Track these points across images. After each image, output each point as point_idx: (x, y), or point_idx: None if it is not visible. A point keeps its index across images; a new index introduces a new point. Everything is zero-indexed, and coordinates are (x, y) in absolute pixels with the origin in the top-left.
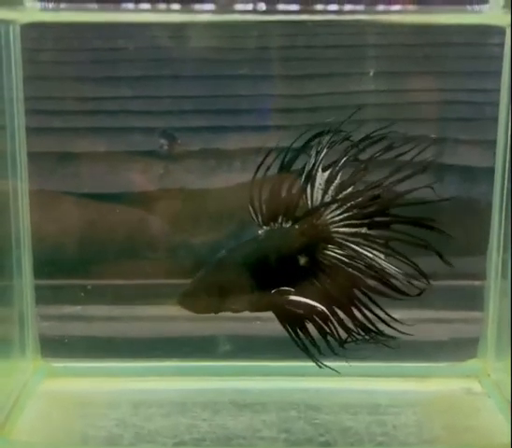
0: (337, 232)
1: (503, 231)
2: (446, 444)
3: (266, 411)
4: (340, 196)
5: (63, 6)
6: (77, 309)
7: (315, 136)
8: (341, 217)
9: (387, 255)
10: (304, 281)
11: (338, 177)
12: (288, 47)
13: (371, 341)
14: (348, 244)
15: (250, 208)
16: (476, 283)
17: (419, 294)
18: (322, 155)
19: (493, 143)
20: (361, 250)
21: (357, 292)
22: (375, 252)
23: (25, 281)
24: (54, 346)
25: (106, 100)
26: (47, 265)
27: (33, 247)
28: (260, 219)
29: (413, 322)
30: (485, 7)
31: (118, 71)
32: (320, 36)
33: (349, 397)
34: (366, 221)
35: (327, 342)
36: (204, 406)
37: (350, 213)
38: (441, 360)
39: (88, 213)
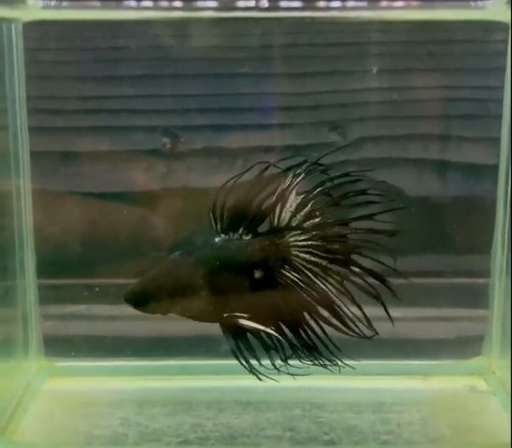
0: (297, 257)
1: (507, 229)
2: (451, 443)
3: (271, 409)
4: (307, 224)
5: (65, 4)
6: (80, 308)
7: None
8: (304, 243)
9: (339, 292)
10: (255, 293)
11: (309, 205)
12: (290, 45)
13: (313, 362)
14: (305, 270)
15: (211, 214)
16: (481, 281)
17: (366, 337)
18: (299, 179)
19: (497, 140)
20: (315, 280)
21: (306, 315)
22: (328, 286)
23: (28, 281)
24: (57, 346)
25: (108, 99)
26: (50, 265)
27: (36, 247)
28: (219, 227)
29: (415, 320)
30: (488, 3)
31: (120, 70)
32: (322, 34)
33: (354, 395)
34: (329, 256)
35: (270, 356)
36: (208, 405)
37: (314, 242)
38: (446, 358)
39: (90, 212)
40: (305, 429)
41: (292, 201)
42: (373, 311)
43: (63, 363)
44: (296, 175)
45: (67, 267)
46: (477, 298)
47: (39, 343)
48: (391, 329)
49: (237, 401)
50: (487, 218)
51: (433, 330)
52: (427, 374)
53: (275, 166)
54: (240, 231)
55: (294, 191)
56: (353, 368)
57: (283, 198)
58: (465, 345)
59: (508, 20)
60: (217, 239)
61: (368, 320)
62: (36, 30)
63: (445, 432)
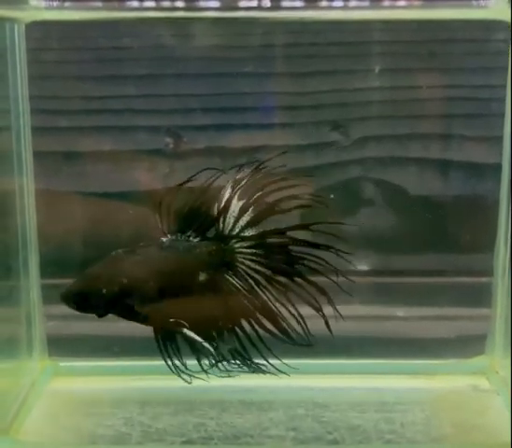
0: (242, 263)
1: (510, 228)
2: (454, 442)
3: (274, 409)
4: (249, 231)
5: (67, 4)
6: None
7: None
8: (249, 250)
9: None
10: (197, 296)
11: (250, 210)
12: (292, 44)
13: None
14: (248, 278)
15: (157, 215)
16: (483, 280)
17: (303, 344)
18: (240, 185)
19: (499, 139)
20: (257, 288)
21: (244, 322)
22: (269, 295)
23: (32, 280)
24: (61, 346)
25: (110, 99)
26: (53, 264)
27: (39, 247)
28: (165, 227)
29: (417, 320)
30: (490, 2)
31: (123, 70)
32: (324, 33)
33: (357, 394)
34: (272, 265)
35: (198, 360)
36: (211, 404)
37: (257, 251)
38: (449, 357)
39: (93, 212)
40: (308, 429)
41: (235, 206)
42: (374, 309)
43: (66, 363)
44: (238, 181)
45: (71, 267)
46: (480, 297)
47: (43, 342)
48: (393, 329)
49: (240, 401)
50: (489, 217)
51: (435, 330)
52: (430, 374)
53: (225, 173)
54: (188, 234)
55: (236, 197)
56: (296, 368)
57: (228, 203)
58: (468, 344)
59: (509, 19)
60: (164, 239)
61: (306, 329)
62: (39, 30)
63: (448, 431)
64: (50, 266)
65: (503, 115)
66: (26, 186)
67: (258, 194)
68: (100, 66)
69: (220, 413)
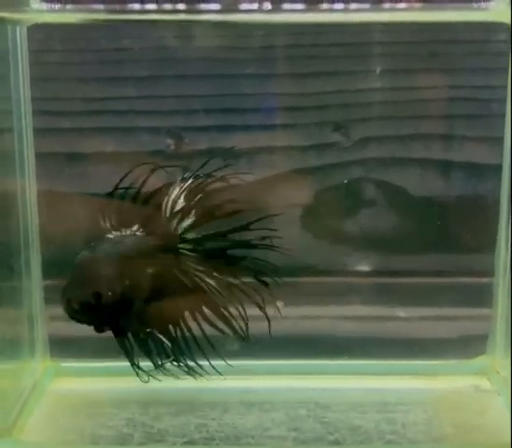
0: (187, 260)
1: (511, 228)
2: (455, 442)
3: (275, 409)
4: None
5: (69, 7)
6: None
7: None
8: (191, 252)
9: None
10: (148, 288)
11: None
12: (293, 45)
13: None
14: (190, 272)
15: (102, 214)
16: (485, 280)
17: (241, 338)
18: (186, 185)
19: (501, 139)
20: (200, 282)
21: (187, 315)
22: (212, 289)
23: (34, 281)
24: (63, 346)
25: (112, 100)
26: (55, 265)
27: (41, 248)
28: (108, 224)
29: (419, 320)
30: (491, 4)
31: (124, 71)
32: (325, 35)
33: (358, 395)
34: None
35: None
36: (213, 405)
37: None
38: (450, 358)
39: (95, 212)
40: (309, 429)
41: (180, 205)
42: (375, 310)
43: (68, 363)
44: (184, 180)
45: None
46: (481, 297)
47: (45, 343)
48: (395, 329)
49: (242, 401)
50: (490, 218)
51: (436, 330)
52: (431, 374)
53: (163, 168)
54: (135, 229)
55: (182, 196)
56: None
57: (173, 202)
58: (469, 345)
59: (509, 21)
60: (111, 235)
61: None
62: (41, 32)
63: (449, 432)
64: (52, 267)
65: (504, 115)
66: (28, 187)
67: (199, 196)
68: (101, 68)
69: (222, 413)
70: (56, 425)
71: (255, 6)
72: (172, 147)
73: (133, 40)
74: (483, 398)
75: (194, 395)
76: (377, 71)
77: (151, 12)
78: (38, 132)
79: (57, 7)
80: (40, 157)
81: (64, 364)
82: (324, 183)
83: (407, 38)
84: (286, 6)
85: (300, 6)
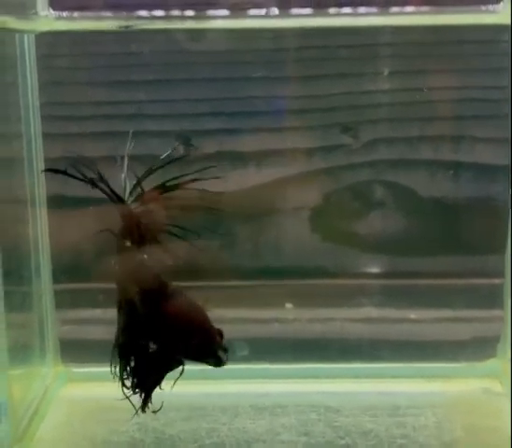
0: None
1: None
2: (465, 446)
3: (286, 414)
4: None
5: (76, 14)
6: (96, 313)
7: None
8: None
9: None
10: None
11: None
12: (301, 47)
13: None
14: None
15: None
16: (496, 281)
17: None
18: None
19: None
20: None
21: None
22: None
23: (44, 286)
24: (74, 351)
25: (121, 104)
26: (65, 270)
27: (51, 252)
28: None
29: (431, 322)
30: (498, 7)
31: (132, 75)
32: (333, 37)
33: (369, 399)
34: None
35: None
36: (223, 410)
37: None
38: (461, 360)
39: (105, 217)
40: (320, 434)
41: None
42: (386, 312)
43: (80, 369)
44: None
45: (82, 272)
46: (492, 299)
47: (56, 348)
48: (405, 332)
49: (252, 406)
50: (501, 218)
51: (447, 332)
52: (442, 377)
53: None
54: None
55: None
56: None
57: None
58: (481, 347)
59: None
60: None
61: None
62: (49, 37)
63: (460, 435)
64: (62, 271)
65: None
66: (38, 192)
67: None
68: (110, 72)
69: (233, 418)
70: (68, 431)
71: (263, 11)
72: (181, 152)
73: (141, 44)
74: (494, 401)
75: (205, 400)
76: (386, 73)
77: (160, 19)
78: (48, 137)
79: (65, 14)
80: (50, 162)
81: (75, 369)
82: (334, 185)
83: (415, 39)
84: (294, 10)
85: (308, 10)
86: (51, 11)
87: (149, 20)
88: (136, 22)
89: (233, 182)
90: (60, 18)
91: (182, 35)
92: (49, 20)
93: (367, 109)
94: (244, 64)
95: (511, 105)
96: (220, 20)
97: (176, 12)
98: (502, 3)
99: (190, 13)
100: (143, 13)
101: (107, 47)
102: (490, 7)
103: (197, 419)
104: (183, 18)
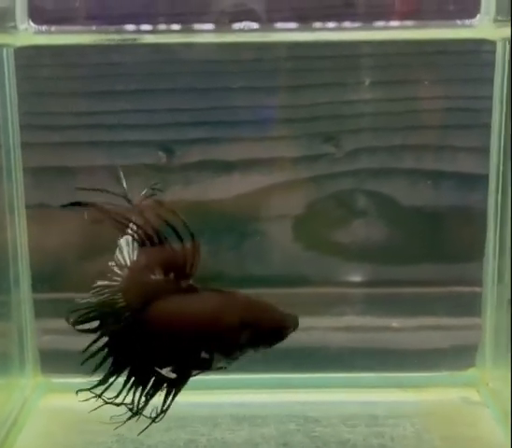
0: None
1: (498, 237)
2: None
3: (265, 424)
4: None
5: (55, 28)
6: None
7: None
8: None
9: None
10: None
11: None
12: (284, 58)
13: None
14: None
15: None
16: (475, 289)
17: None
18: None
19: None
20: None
21: None
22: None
23: (23, 295)
24: (54, 362)
25: (103, 114)
26: (45, 279)
27: (30, 261)
28: None
29: (412, 330)
30: (474, 21)
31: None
32: (317, 48)
33: (348, 408)
34: None
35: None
36: (203, 420)
37: None
38: (439, 370)
39: (86, 226)
40: (299, 444)
41: None
42: (368, 321)
43: (59, 379)
44: None
45: (62, 281)
46: (470, 308)
47: (35, 358)
48: (384, 340)
49: (232, 416)
50: (479, 227)
51: (426, 341)
52: (420, 386)
53: None
54: None
55: None
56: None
57: None
58: (459, 356)
59: (494, 38)
60: None
61: None
62: (29, 51)
63: (438, 445)
64: (42, 280)
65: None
66: (16, 202)
67: None
68: (91, 83)
69: (212, 428)
70: (47, 442)
71: (246, 24)
72: (163, 161)
73: (123, 54)
74: (472, 410)
75: (185, 410)
76: (367, 82)
77: (144, 33)
78: (27, 146)
79: (44, 28)
80: (30, 171)
81: (54, 380)
82: (316, 194)
83: (397, 51)
84: (279, 24)
85: (293, 24)
86: (32, 24)
87: (136, 33)
88: (119, 37)
89: (216, 191)
90: (39, 32)
91: (165, 45)
92: (28, 34)
93: (350, 119)
94: (227, 74)
95: (492, 115)
96: (205, 33)
97: (162, 26)
98: (478, 15)
99: (175, 27)
100: (130, 27)
101: (88, 57)
102: (467, 22)
103: (176, 430)
104: (169, 31)
